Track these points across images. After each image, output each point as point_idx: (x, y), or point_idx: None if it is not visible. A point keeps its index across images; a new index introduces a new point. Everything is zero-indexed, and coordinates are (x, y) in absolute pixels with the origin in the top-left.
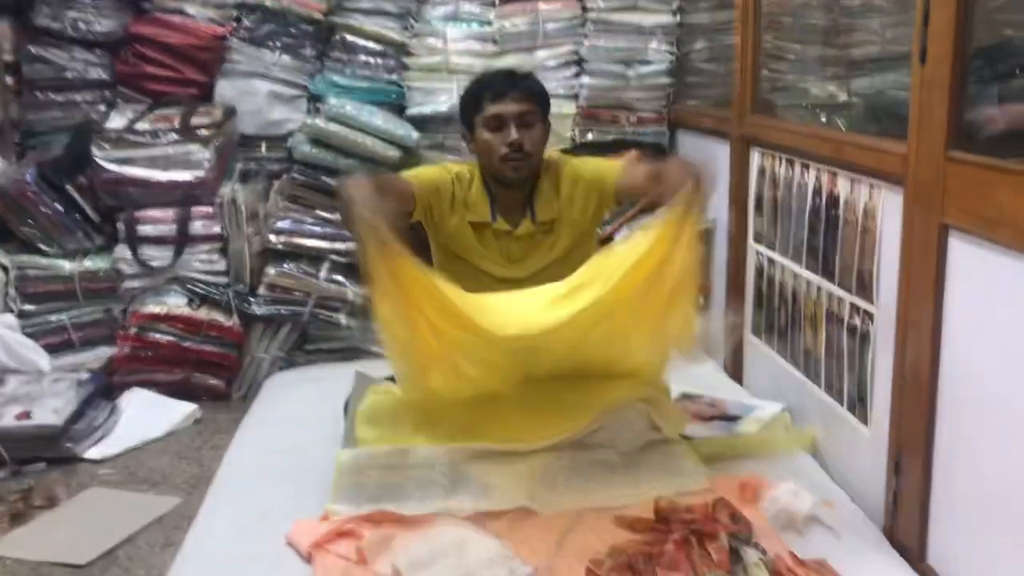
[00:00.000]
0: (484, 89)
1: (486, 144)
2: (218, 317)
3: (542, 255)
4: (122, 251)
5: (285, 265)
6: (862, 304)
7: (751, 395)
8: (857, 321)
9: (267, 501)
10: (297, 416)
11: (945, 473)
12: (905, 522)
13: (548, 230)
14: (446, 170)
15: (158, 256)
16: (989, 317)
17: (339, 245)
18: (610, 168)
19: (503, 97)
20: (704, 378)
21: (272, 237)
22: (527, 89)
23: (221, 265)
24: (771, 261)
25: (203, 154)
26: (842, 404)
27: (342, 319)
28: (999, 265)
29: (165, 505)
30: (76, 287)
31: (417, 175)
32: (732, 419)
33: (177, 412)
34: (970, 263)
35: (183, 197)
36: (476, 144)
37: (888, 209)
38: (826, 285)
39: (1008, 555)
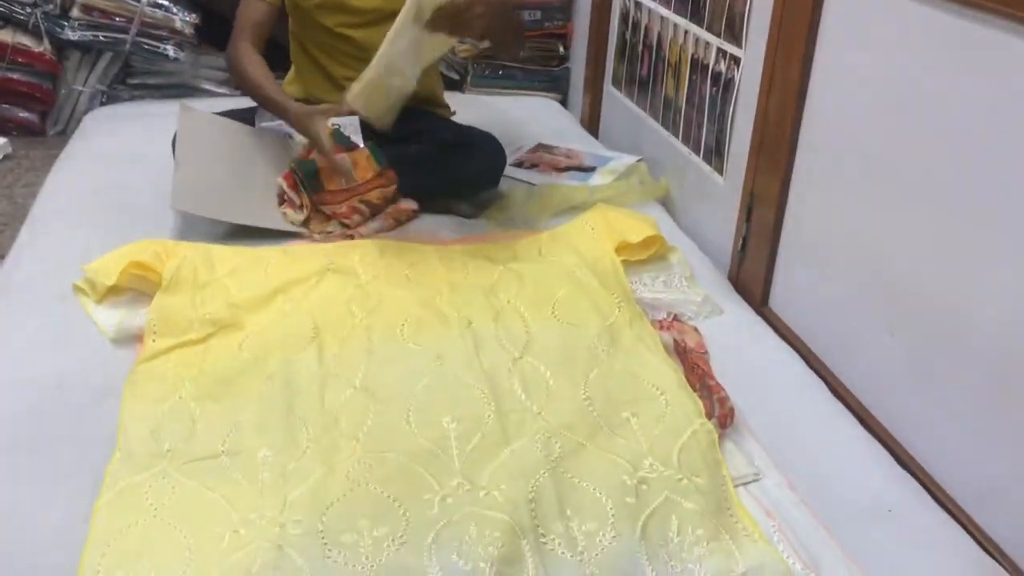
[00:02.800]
0: None
1: None
2: (25, 41)
3: None
4: None
5: None
6: (730, 49)
7: (607, 148)
8: (723, 67)
9: (87, 238)
10: (120, 153)
11: (795, 221)
12: (751, 268)
13: None
14: None
15: None
16: (859, 66)
17: None
18: None
19: None
20: (559, 131)
21: None
22: None
23: None
24: (638, 4)
25: None
26: (699, 154)
27: (170, 51)
28: (877, 9)
29: None
30: None
31: None
32: (587, 170)
33: None
34: (847, 5)
35: None
36: None
37: None
38: (694, 29)
39: (845, 301)
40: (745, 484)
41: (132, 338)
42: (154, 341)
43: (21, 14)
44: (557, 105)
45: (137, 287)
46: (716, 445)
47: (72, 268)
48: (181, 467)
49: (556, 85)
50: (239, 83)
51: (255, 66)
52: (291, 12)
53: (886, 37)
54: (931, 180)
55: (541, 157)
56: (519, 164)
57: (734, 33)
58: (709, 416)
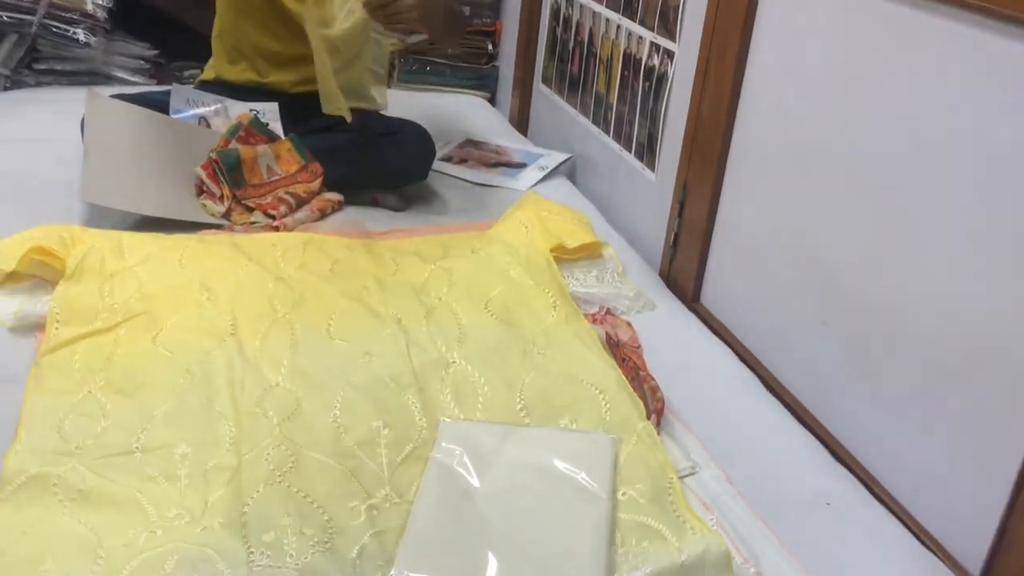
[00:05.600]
0: None
1: None
2: None
3: None
4: None
5: None
6: (663, 43)
7: (536, 146)
8: (656, 61)
9: None
10: (25, 138)
11: (727, 217)
12: (682, 264)
13: None
14: None
15: None
16: (794, 58)
17: None
18: None
19: None
20: (487, 128)
21: None
22: None
23: None
24: (569, 1)
25: None
26: (630, 151)
27: (80, 35)
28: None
29: None
30: None
31: None
32: (517, 166)
33: None
34: None
35: None
36: None
37: None
38: (626, 23)
39: (778, 295)
40: (682, 478)
41: (31, 327)
42: (57, 330)
43: None
44: (485, 103)
45: (39, 274)
46: (660, 446)
47: None
48: (91, 463)
49: (484, 83)
50: None
51: None
52: None
53: (822, 27)
54: (866, 172)
55: (470, 152)
56: (448, 159)
57: (668, 27)
58: (649, 415)
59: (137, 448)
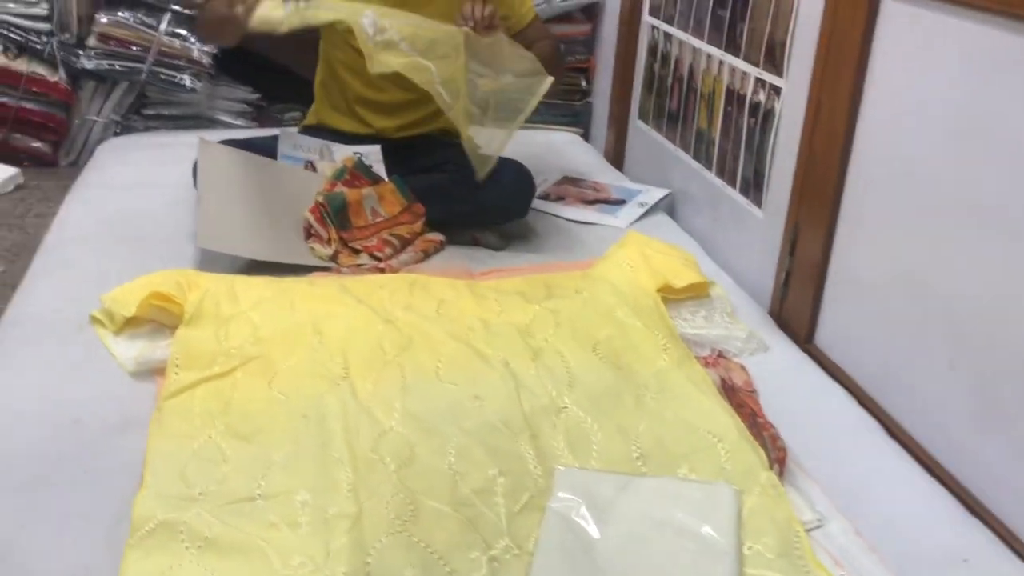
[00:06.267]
0: None
1: None
2: (40, 71)
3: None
4: None
5: (119, 13)
6: (769, 78)
7: (632, 181)
8: (761, 97)
9: (103, 268)
10: (136, 183)
11: (844, 253)
12: (795, 303)
13: None
14: None
15: None
16: (913, 92)
17: None
18: (529, 7)
19: None
20: (583, 165)
21: None
22: None
23: (42, 8)
24: (668, 37)
25: None
26: (734, 187)
27: (187, 80)
28: (934, 33)
29: None
30: None
31: None
32: (616, 203)
33: None
34: (901, 23)
35: None
36: None
37: None
38: (729, 59)
39: (899, 336)
40: (808, 531)
41: (151, 371)
42: (177, 375)
43: (37, 43)
44: (579, 139)
45: (157, 318)
46: (784, 497)
47: (88, 298)
48: (215, 510)
49: (578, 120)
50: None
51: None
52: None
53: (943, 60)
54: (992, 208)
55: (567, 190)
56: (545, 196)
57: (774, 62)
58: (771, 464)
59: (259, 495)
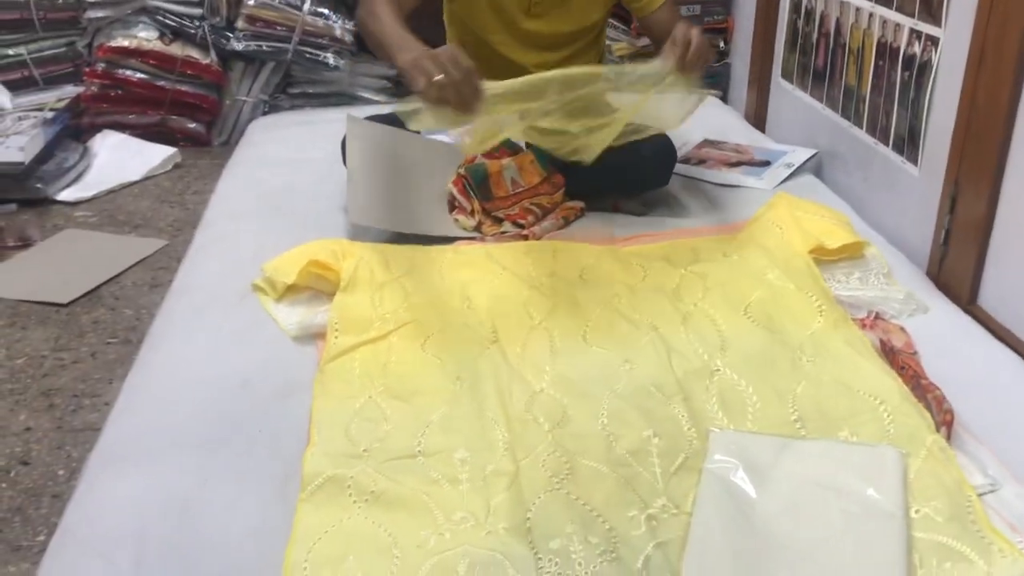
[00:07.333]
0: None
1: None
2: (194, 54)
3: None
4: None
5: None
6: (926, 29)
7: (775, 142)
8: (916, 49)
9: (260, 240)
10: (286, 159)
11: (1010, 211)
12: (955, 263)
13: None
14: None
15: None
16: None
17: None
18: None
19: None
20: (724, 127)
21: None
22: None
23: None
24: None
25: None
26: (887, 144)
27: (330, 58)
28: None
29: (150, 247)
30: (32, 15)
31: None
32: (760, 165)
33: (155, 155)
34: None
35: None
36: None
37: None
38: (880, 10)
39: None
40: (980, 495)
41: (312, 336)
42: (336, 339)
43: (190, 27)
44: (718, 101)
45: (315, 286)
46: (954, 461)
47: (249, 268)
48: (379, 466)
49: (716, 81)
50: (363, 24)
51: (385, 11)
52: (449, 24)
53: None
54: None
55: (708, 153)
56: (686, 160)
57: (931, 12)
58: (937, 427)
59: (419, 452)
